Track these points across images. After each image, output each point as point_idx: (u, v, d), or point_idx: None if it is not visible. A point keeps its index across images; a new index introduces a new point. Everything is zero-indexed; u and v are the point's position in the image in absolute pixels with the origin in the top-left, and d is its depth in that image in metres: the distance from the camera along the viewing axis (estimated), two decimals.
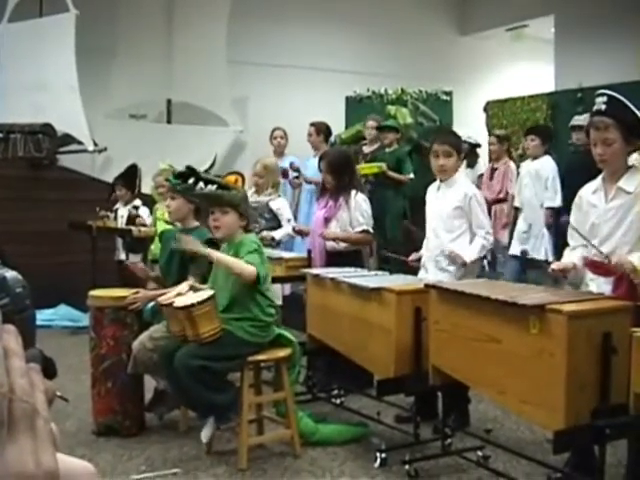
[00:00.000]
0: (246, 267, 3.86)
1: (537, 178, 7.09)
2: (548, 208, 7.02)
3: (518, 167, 7.82)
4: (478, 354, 3.40)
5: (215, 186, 4.05)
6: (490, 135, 8.34)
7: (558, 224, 6.76)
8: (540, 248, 7.05)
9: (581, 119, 6.99)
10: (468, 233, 4.43)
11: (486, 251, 4.56)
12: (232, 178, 4.10)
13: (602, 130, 3.46)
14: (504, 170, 7.95)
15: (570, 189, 6.58)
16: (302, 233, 5.87)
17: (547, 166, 7.06)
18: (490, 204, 7.78)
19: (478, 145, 8.96)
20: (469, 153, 8.91)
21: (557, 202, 6.96)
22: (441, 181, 4.55)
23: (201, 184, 4.10)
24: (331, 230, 5.14)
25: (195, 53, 9.56)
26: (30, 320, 2.23)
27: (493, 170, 8.07)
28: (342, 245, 5.17)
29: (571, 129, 7.36)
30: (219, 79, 9.77)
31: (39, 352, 1.98)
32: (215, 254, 3.99)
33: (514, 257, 7.17)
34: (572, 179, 6.48)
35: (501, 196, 7.90)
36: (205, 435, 3.98)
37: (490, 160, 8.38)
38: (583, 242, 3.68)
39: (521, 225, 7.24)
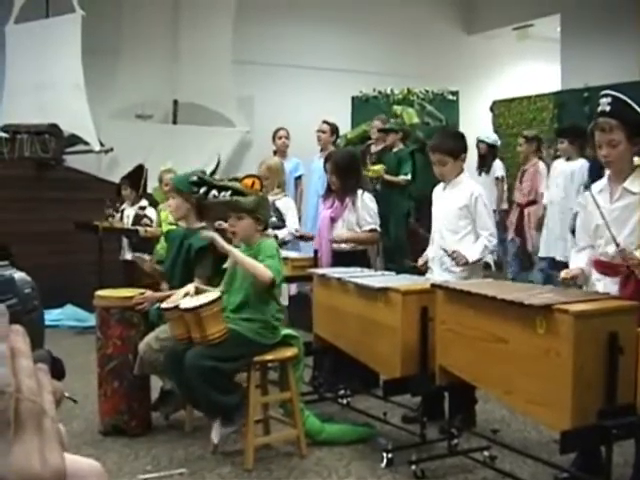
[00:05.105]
0: (264, 269, 3.88)
1: (571, 180, 6.83)
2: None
3: (548, 168, 7.45)
4: (485, 354, 3.40)
5: (229, 192, 4.05)
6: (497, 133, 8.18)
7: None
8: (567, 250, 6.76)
9: None
10: (473, 234, 4.42)
11: (489, 252, 4.52)
12: (249, 181, 4.08)
13: (607, 132, 3.46)
14: (533, 171, 7.66)
15: None
16: (305, 238, 5.88)
17: (581, 170, 6.78)
18: (522, 207, 7.63)
19: (495, 146, 8.85)
20: (487, 154, 8.83)
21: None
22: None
23: (214, 192, 4.10)
24: (338, 233, 5.15)
25: (201, 53, 9.55)
26: (38, 321, 2.23)
27: (523, 172, 7.77)
28: (349, 245, 5.18)
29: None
30: (225, 79, 9.76)
31: (47, 353, 1.99)
32: (235, 252, 3.99)
33: (543, 259, 7.08)
34: None
35: (531, 198, 7.61)
36: (218, 433, 3.97)
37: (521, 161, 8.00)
38: (590, 243, 3.67)
39: (552, 227, 7.02)
